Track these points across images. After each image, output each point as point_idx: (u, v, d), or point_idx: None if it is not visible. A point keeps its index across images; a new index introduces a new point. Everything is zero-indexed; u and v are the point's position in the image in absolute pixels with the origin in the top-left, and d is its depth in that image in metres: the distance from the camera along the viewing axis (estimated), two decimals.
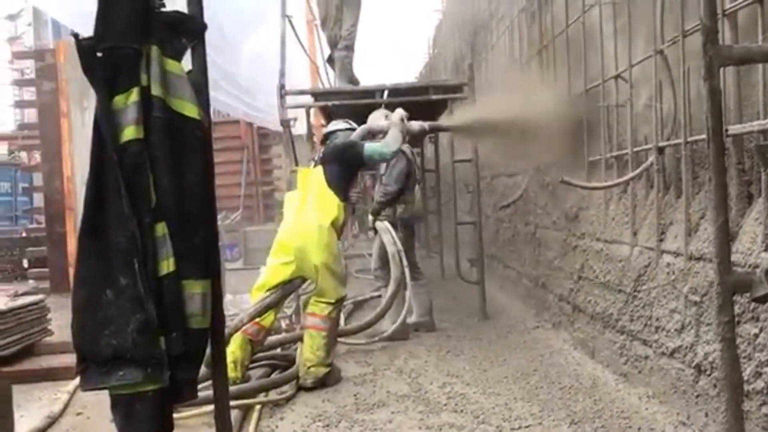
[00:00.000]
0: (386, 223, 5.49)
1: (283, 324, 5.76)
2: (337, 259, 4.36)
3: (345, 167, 4.46)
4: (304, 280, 4.38)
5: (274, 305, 4.22)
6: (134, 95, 1.69)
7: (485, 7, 8.07)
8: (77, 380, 2.68)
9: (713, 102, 1.75)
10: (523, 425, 3.36)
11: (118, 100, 1.69)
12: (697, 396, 3.07)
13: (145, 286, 1.59)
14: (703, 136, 2.31)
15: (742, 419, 1.91)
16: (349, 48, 7.01)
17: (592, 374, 4.09)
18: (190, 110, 1.77)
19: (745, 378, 2.58)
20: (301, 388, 4.10)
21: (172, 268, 1.66)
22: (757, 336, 2.59)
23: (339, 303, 4.39)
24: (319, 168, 4.47)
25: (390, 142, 4.50)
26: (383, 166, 5.48)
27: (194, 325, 1.72)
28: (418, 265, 5.83)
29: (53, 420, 3.76)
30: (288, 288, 4.29)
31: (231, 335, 3.84)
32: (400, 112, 4.77)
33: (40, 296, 5.55)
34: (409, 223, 5.73)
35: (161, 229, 1.67)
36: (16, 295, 6.45)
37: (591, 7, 4.31)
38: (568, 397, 3.76)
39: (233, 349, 4.02)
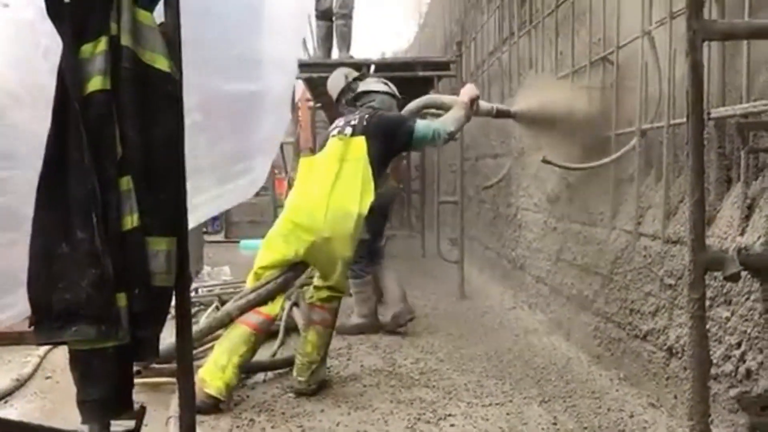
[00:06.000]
0: None
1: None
2: None
3: (388, 146, 3.68)
4: (306, 265, 3.62)
5: (280, 291, 3.52)
6: (102, 44, 1.63)
7: None
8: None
9: (694, 76, 1.72)
10: (494, 402, 3.37)
11: (86, 48, 1.62)
12: (668, 378, 3.09)
13: (102, 241, 1.54)
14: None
15: (708, 398, 1.91)
16: (347, 16, 6.99)
17: (566, 355, 4.11)
18: (161, 63, 1.71)
19: (715, 361, 2.59)
20: (300, 394, 3.51)
21: (136, 224, 1.61)
22: (728, 319, 2.59)
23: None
24: (362, 139, 3.61)
25: (448, 124, 3.73)
26: None
27: (158, 283, 1.67)
28: (381, 254, 5.17)
29: (21, 383, 3.73)
30: (291, 275, 3.53)
31: (233, 318, 3.34)
32: (471, 89, 3.93)
33: None
34: (382, 204, 4.87)
35: (126, 183, 1.61)
36: None
37: None
38: (541, 376, 3.77)
39: (236, 344, 3.37)
